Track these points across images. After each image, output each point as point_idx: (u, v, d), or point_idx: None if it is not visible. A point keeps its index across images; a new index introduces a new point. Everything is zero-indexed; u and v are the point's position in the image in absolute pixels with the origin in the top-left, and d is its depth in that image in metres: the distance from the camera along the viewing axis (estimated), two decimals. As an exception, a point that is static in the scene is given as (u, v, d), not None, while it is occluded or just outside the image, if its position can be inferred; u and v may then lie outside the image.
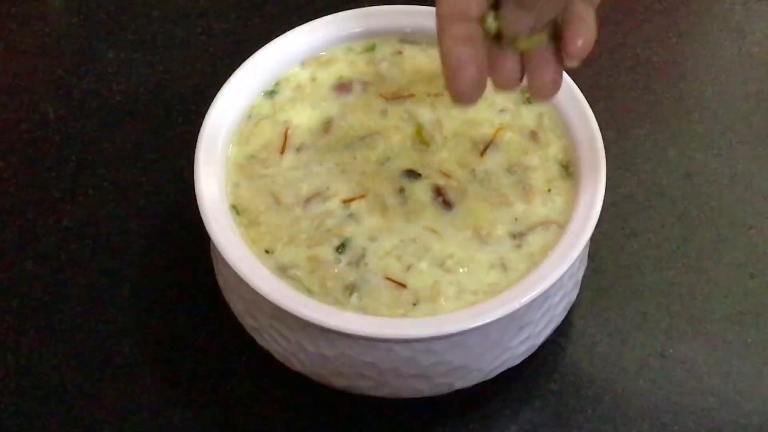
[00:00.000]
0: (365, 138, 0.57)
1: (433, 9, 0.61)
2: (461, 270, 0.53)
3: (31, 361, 0.60)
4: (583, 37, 0.47)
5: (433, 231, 0.54)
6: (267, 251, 0.53)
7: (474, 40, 0.47)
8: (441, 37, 0.47)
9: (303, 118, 0.59)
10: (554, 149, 0.57)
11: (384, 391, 0.54)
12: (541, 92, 0.49)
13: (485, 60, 0.47)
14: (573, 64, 0.48)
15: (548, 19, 0.47)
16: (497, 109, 0.59)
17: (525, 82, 0.49)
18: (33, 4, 0.77)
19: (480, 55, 0.47)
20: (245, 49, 0.60)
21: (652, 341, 0.60)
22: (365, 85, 0.60)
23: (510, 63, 0.48)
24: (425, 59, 0.61)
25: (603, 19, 0.76)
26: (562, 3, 0.46)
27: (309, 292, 0.52)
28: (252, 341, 0.57)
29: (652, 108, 0.71)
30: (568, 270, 0.52)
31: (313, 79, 0.60)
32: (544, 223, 0.55)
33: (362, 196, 0.55)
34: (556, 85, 0.49)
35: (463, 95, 0.48)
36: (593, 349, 0.60)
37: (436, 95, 0.59)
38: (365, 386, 0.54)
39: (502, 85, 0.49)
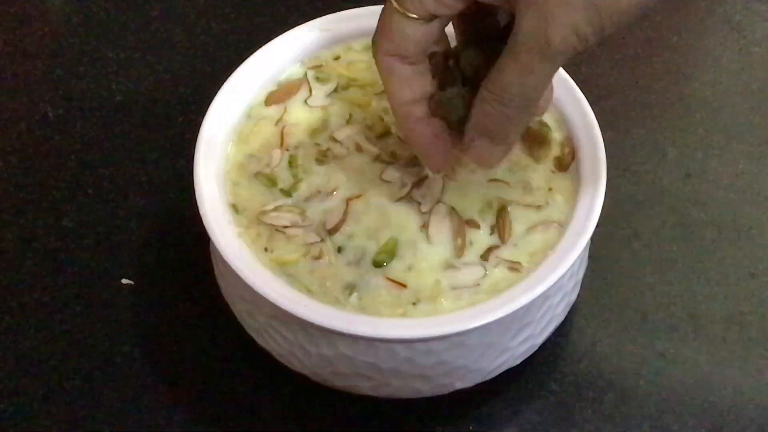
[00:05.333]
0: (366, 137, 0.58)
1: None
2: (461, 269, 0.53)
3: (31, 361, 0.60)
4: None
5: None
6: (266, 250, 0.53)
7: (431, 117, 0.50)
8: (404, 124, 0.51)
9: (302, 117, 0.58)
10: (554, 149, 0.57)
11: (384, 391, 0.54)
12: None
13: (446, 131, 0.51)
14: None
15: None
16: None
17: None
18: (33, 4, 0.77)
19: (441, 128, 0.51)
20: (245, 49, 0.60)
21: (652, 341, 0.60)
22: (365, 84, 0.60)
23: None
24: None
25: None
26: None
27: (309, 291, 0.52)
28: (252, 341, 0.57)
29: (652, 108, 0.71)
30: (568, 270, 0.52)
31: (313, 79, 0.60)
32: (544, 223, 0.55)
33: (361, 196, 0.55)
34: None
35: (437, 168, 0.53)
36: (593, 349, 0.60)
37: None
38: (365, 386, 0.54)
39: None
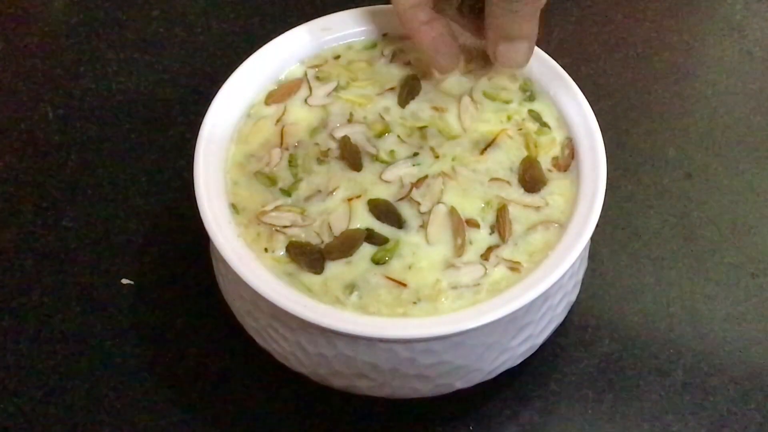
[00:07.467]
0: (365, 136, 0.58)
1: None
2: (462, 269, 0.53)
3: (31, 361, 0.60)
4: None
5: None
6: (266, 250, 0.53)
7: (435, 19, 0.54)
8: (408, 27, 0.54)
9: (302, 116, 0.58)
10: (554, 148, 0.57)
11: (384, 391, 0.54)
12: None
13: (451, 32, 0.55)
14: None
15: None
16: (497, 109, 0.59)
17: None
18: (33, 4, 0.78)
19: (446, 29, 0.54)
20: (245, 49, 0.60)
21: (652, 341, 0.60)
22: (365, 83, 0.60)
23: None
24: (425, 57, 0.61)
25: (603, 19, 0.77)
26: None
27: (309, 291, 0.52)
28: (252, 341, 0.57)
29: (652, 108, 0.71)
30: (568, 270, 0.52)
31: (313, 78, 0.60)
32: (544, 223, 0.55)
33: (361, 195, 0.55)
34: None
35: (445, 68, 0.56)
36: (593, 349, 0.60)
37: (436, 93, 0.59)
38: (365, 386, 0.54)
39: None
